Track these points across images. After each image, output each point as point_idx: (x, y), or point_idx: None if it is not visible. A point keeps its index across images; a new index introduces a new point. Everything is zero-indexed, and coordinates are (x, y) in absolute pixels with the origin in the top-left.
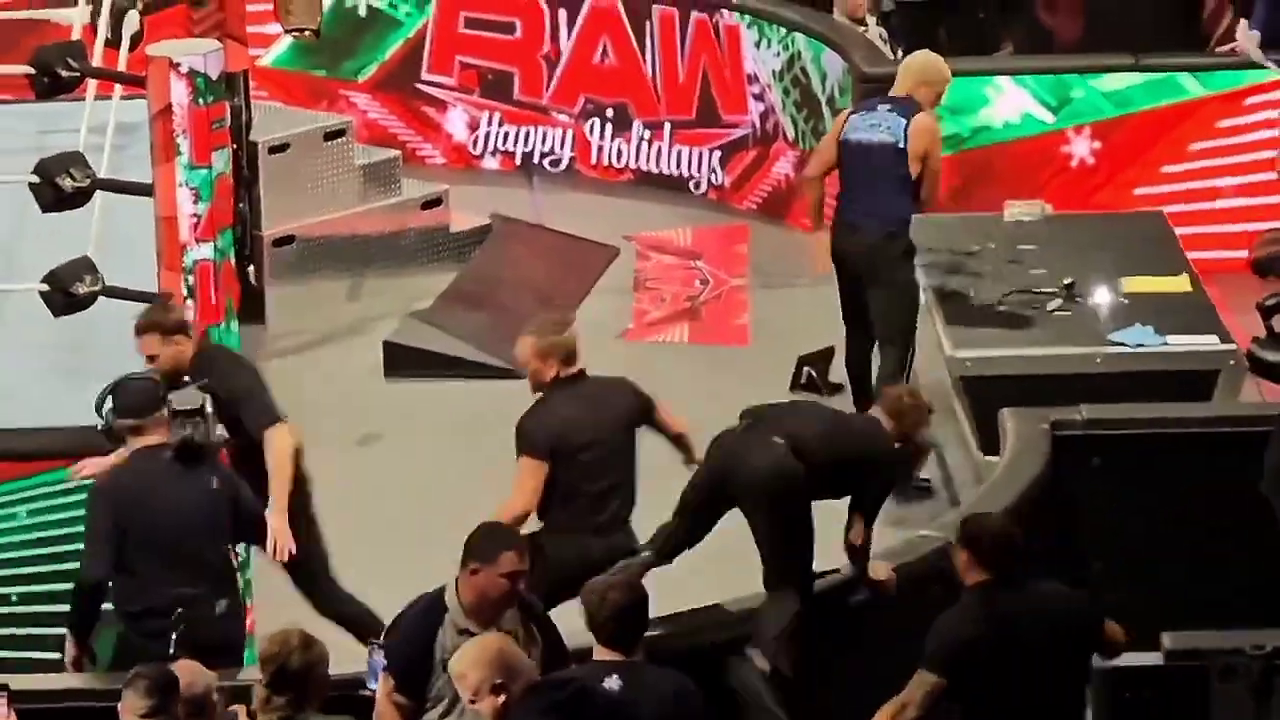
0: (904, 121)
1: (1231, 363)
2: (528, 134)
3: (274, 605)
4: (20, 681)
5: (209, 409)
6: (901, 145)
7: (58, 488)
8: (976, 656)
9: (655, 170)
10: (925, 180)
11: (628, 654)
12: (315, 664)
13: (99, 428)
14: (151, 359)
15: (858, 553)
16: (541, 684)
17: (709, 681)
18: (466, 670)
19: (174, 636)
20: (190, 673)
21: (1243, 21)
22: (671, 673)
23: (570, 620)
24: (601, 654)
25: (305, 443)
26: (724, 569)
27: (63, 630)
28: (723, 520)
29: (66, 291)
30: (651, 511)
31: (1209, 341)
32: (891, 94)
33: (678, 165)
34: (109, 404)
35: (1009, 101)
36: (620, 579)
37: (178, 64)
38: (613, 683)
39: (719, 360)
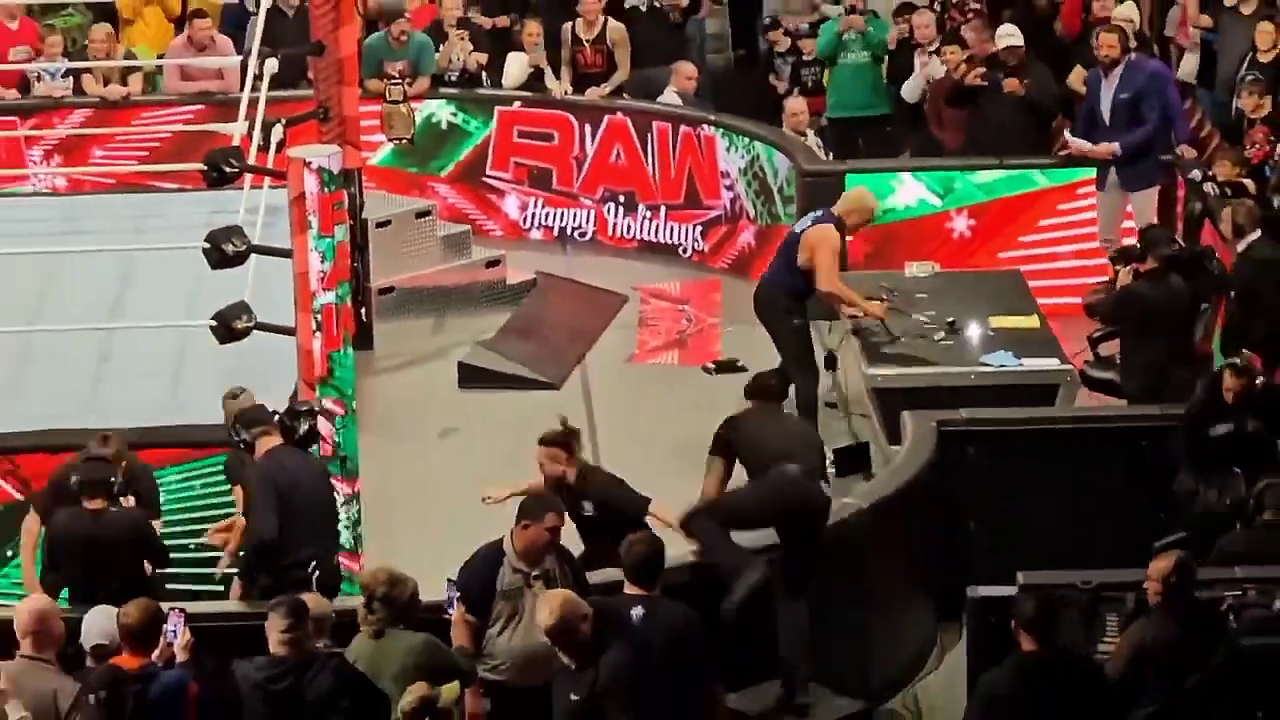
0: (811, 226)
1: (1069, 379)
2: (562, 214)
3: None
4: (196, 606)
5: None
6: (798, 237)
7: (219, 469)
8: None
9: (654, 240)
10: (816, 273)
11: (649, 590)
12: (400, 593)
13: (237, 443)
14: None
15: None
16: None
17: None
18: (548, 618)
19: (315, 580)
20: (315, 601)
21: (1065, 131)
22: (681, 606)
23: None
24: (630, 589)
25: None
26: None
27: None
28: None
29: (229, 327)
30: None
31: (1053, 363)
32: (832, 208)
33: (670, 236)
34: (238, 427)
35: (908, 190)
36: (645, 534)
37: (310, 163)
38: (637, 610)
39: (697, 377)
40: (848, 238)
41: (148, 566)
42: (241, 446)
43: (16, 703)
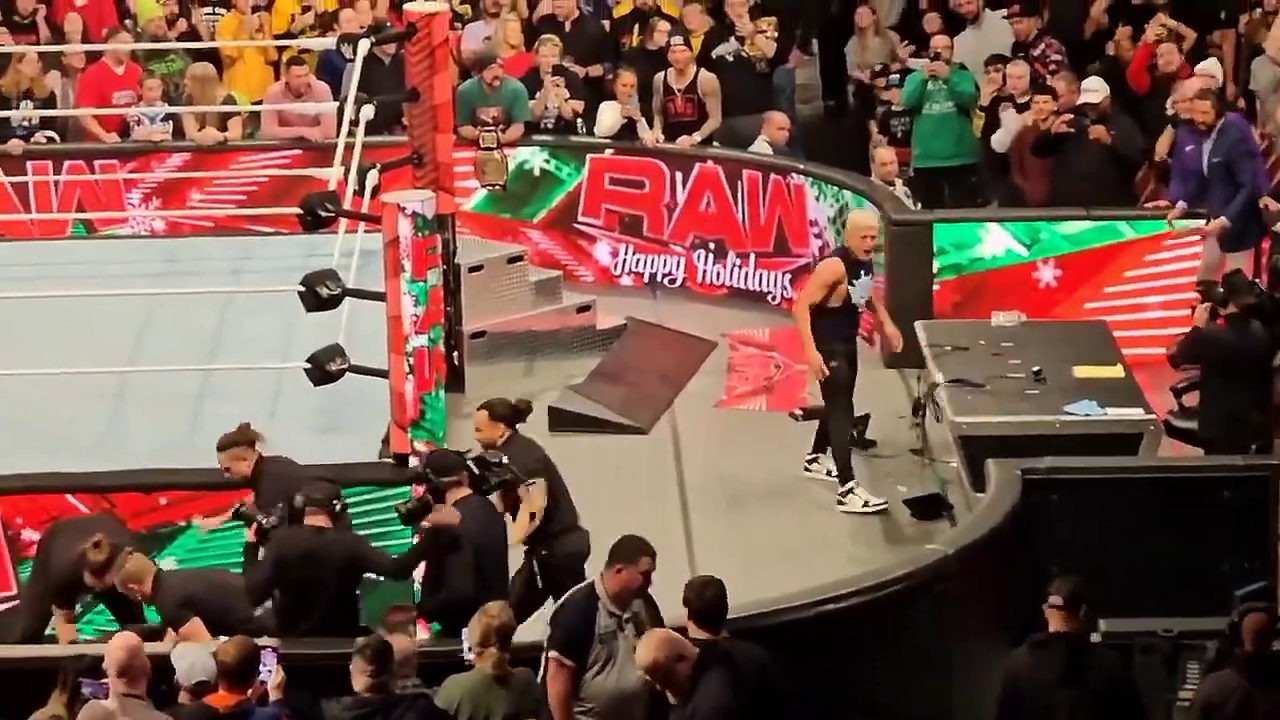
0: None
1: (1152, 428)
2: (652, 260)
3: None
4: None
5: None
6: None
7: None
8: None
9: (743, 287)
10: None
11: (714, 633)
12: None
13: (427, 488)
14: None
15: None
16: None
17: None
18: (651, 655)
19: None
20: (400, 642)
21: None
22: (758, 646)
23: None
24: (695, 632)
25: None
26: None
27: None
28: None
29: (323, 369)
30: None
31: (1136, 413)
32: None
33: (759, 284)
34: (428, 472)
35: (995, 240)
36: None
37: (404, 208)
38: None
39: (785, 422)
40: (865, 258)
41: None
42: (426, 491)
43: None
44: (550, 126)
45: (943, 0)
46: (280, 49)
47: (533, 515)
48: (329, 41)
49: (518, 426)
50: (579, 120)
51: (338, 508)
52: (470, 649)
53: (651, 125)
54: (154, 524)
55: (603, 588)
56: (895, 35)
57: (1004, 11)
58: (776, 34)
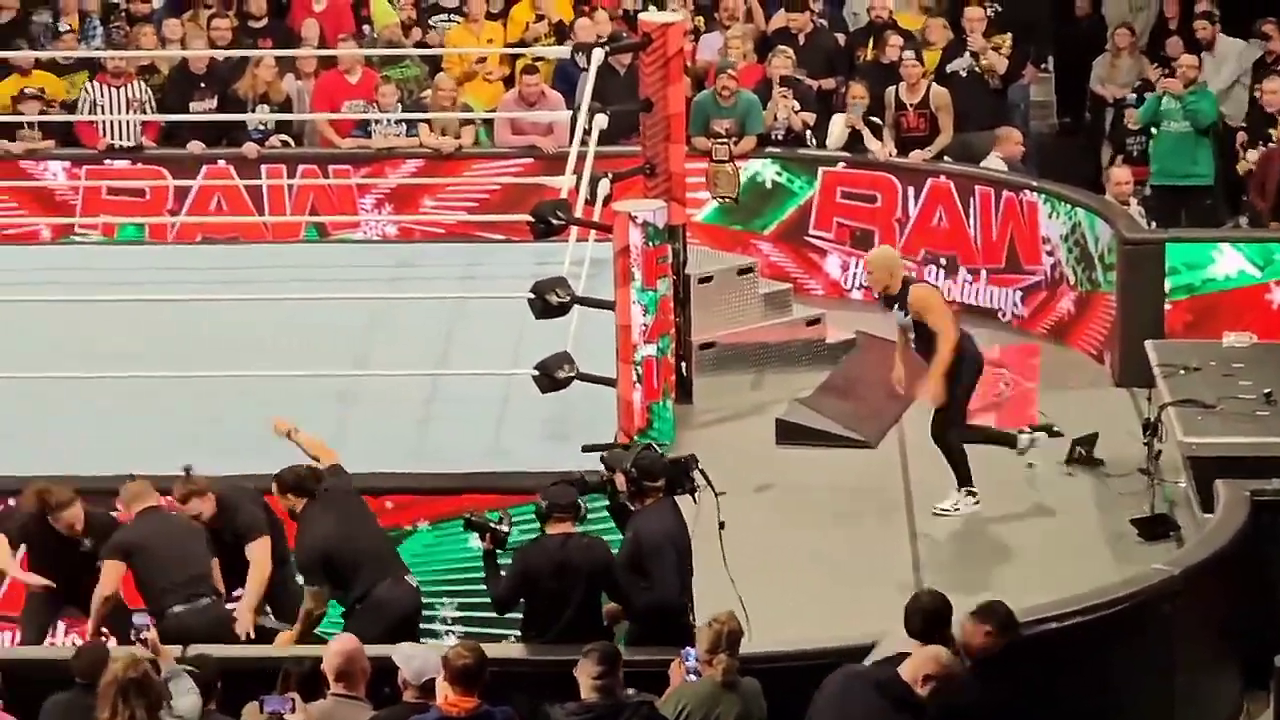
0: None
1: None
2: None
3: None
4: (508, 649)
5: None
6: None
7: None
8: None
9: (974, 303)
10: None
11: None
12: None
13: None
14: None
15: None
16: None
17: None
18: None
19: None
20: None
21: None
22: None
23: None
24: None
25: (721, 487)
26: None
27: None
28: None
29: (551, 376)
30: None
31: None
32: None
33: (990, 300)
34: (634, 474)
35: (1228, 261)
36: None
37: (635, 217)
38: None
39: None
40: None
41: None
42: (613, 494)
43: None
44: (780, 138)
45: (1187, 25)
46: (513, 58)
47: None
48: (564, 51)
49: None
50: (809, 133)
51: (583, 513)
52: (694, 657)
53: (883, 139)
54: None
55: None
56: (1145, 58)
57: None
58: (1011, 50)
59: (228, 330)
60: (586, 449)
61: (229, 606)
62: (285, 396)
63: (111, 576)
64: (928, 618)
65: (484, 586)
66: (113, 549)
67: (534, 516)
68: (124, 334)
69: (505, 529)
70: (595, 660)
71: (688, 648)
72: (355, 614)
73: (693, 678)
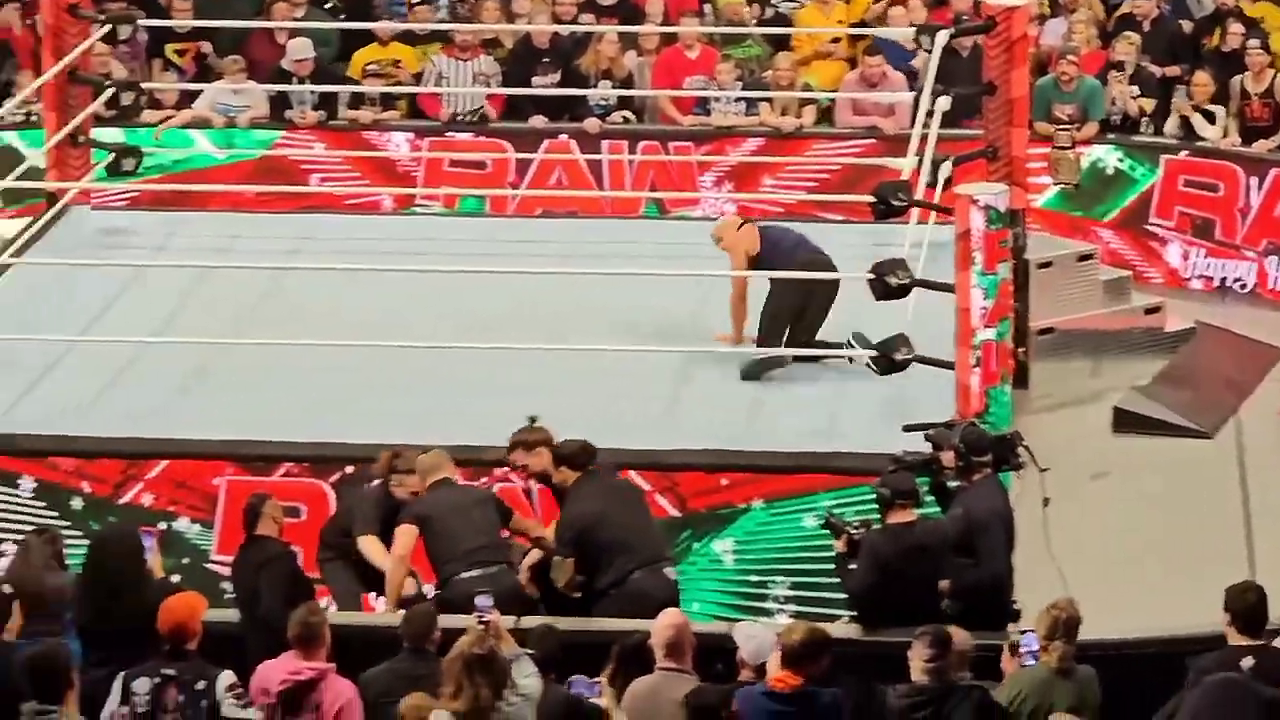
0: None
1: None
2: (1223, 265)
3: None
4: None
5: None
6: None
7: (866, 498)
8: None
9: None
10: None
11: (1256, 639)
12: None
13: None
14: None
15: None
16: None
17: None
18: None
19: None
20: (959, 634)
21: None
22: None
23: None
24: (1235, 638)
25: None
26: None
27: None
28: None
29: (890, 358)
30: None
31: None
32: None
33: None
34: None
35: None
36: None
37: (977, 200)
38: (1247, 661)
39: None
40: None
41: None
42: (937, 472)
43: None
44: (1118, 124)
45: None
46: (855, 38)
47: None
48: (908, 32)
49: None
50: (1145, 119)
51: (922, 498)
52: (1034, 642)
53: (1226, 130)
54: (714, 505)
55: None
56: None
57: None
58: None
59: (565, 304)
60: (908, 429)
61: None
62: (620, 371)
63: (406, 540)
64: (1247, 609)
65: (816, 566)
66: (409, 515)
67: (872, 500)
68: (463, 304)
69: (859, 534)
70: (927, 643)
71: (1028, 633)
72: (608, 598)
73: (1031, 662)
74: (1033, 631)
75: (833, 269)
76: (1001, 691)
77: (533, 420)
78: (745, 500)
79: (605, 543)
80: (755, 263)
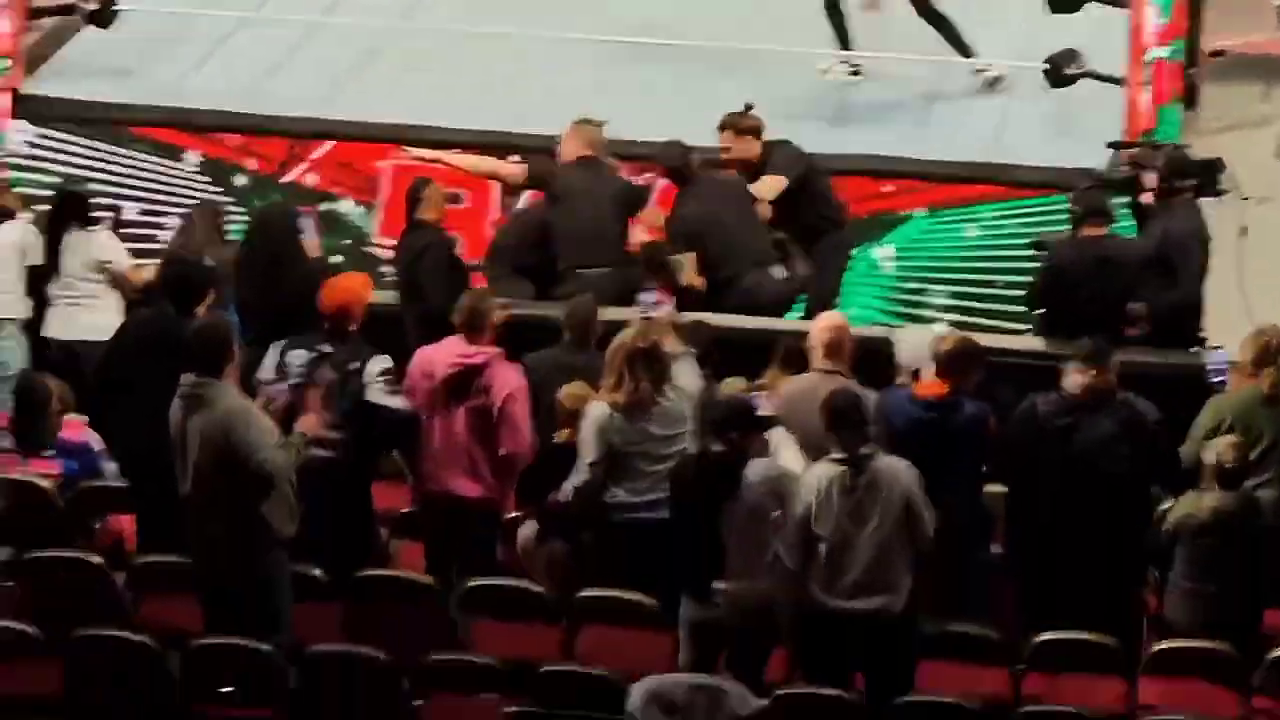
0: None
1: None
2: None
3: None
4: None
5: None
6: None
7: (1032, 210)
8: None
9: None
10: None
11: None
12: None
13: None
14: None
15: None
16: None
17: None
18: None
19: None
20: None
21: None
22: None
23: None
24: None
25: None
26: None
27: None
28: None
29: (1060, 71)
30: None
31: None
32: None
33: None
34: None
35: None
36: None
37: None
38: None
39: None
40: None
41: None
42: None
43: None
44: None
45: None
46: None
47: None
48: None
49: None
50: None
51: (1114, 216)
52: (1225, 359)
53: None
54: (876, 210)
55: None
56: None
57: None
58: None
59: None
60: (1113, 145)
61: None
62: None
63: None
64: None
65: (976, 277)
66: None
67: (1044, 213)
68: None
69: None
70: (1082, 355)
71: (1219, 350)
72: (720, 297)
73: (1221, 379)
74: (1223, 349)
75: None
76: (1204, 415)
77: (748, 107)
78: (909, 208)
79: (715, 244)
80: None
